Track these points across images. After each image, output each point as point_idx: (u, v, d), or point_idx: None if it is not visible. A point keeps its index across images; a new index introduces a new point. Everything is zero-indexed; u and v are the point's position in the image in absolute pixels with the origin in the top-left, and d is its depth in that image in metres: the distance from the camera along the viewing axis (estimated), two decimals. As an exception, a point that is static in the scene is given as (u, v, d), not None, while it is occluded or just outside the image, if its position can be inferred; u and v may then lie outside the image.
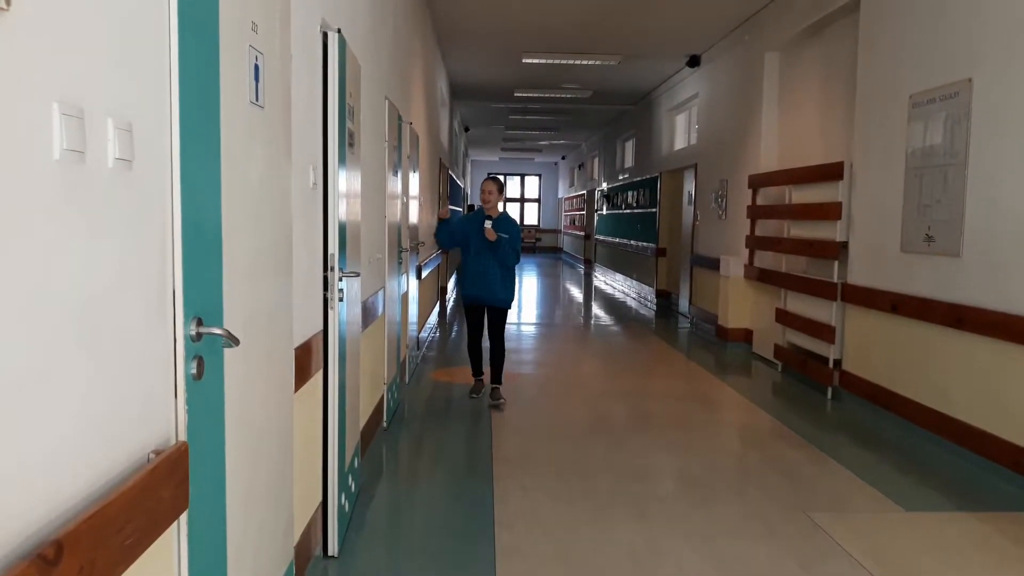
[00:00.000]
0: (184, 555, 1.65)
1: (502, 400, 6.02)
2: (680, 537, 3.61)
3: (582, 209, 23.81)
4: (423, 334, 8.67)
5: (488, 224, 5.83)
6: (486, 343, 6.23)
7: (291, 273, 2.62)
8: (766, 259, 8.32)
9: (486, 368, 6.38)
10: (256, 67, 2.09)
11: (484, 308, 6.09)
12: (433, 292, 10.66)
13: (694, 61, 11.11)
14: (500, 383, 6.13)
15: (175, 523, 1.60)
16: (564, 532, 3.65)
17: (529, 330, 10.36)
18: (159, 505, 1.49)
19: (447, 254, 12.29)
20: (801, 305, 7.27)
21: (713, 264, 9.78)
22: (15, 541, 1.10)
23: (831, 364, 6.57)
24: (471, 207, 22.48)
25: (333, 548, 3.31)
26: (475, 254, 6.02)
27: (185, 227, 1.63)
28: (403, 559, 3.40)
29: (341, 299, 3.34)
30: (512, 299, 6.12)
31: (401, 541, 3.57)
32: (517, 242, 5.96)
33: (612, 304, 13.96)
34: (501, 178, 6.71)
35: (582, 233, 23.84)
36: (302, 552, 3.00)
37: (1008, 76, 4.57)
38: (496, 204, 5.98)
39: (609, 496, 4.13)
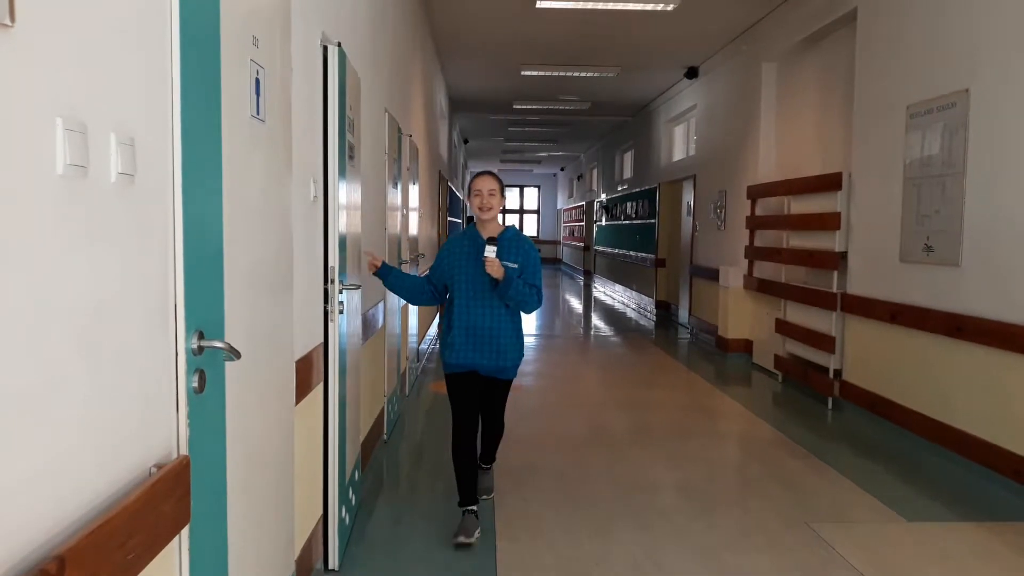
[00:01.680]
0: (186, 569, 1.64)
1: (489, 493, 4.18)
2: (682, 549, 3.60)
3: (581, 220, 23.84)
4: (423, 346, 8.67)
5: (491, 252, 3.50)
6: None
7: (292, 286, 2.63)
8: (765, 269, 8.32)
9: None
10: (257, 81, 2.10)
11: (480, 381, 3.75)
12: (431, 307, 10.63)
13: (692, 72, 11.16)
14: (493, 460, 4.23)
15: (176, 537, 1.59)
16: (565, 544, 3.64)
17: (529, 341, 10.36)
18: (161, 519, 1.48)
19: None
20: (801, 315, 7.27)
21: (712, 275, 9.78)
22: (17, 556, 1.10)
23: (831, 374, 6.57)
24: (471, 220, 22.36)
25: (334, 561, 3.30)
26: (469, 298, 3.65)
27: (187, 241, 1.63)
28: (404, 572, 3.38)
29: (341, 311, 3.34)
30: (520, 362, 3.86)
31: (402, 554, 3.55)
32: (537, 275, 3.65)
33: (612, 315, 13.95)
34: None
35: (581, 244, 23.86)
36: (303, 565, 2.99)
37: (1005, 87, 4.59)
38: (497, 213, 3.70)
39: (610, 508, 4.12)
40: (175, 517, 1.55)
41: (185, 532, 1.63)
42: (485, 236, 3.64)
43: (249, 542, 2.10)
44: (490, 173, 3.77)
